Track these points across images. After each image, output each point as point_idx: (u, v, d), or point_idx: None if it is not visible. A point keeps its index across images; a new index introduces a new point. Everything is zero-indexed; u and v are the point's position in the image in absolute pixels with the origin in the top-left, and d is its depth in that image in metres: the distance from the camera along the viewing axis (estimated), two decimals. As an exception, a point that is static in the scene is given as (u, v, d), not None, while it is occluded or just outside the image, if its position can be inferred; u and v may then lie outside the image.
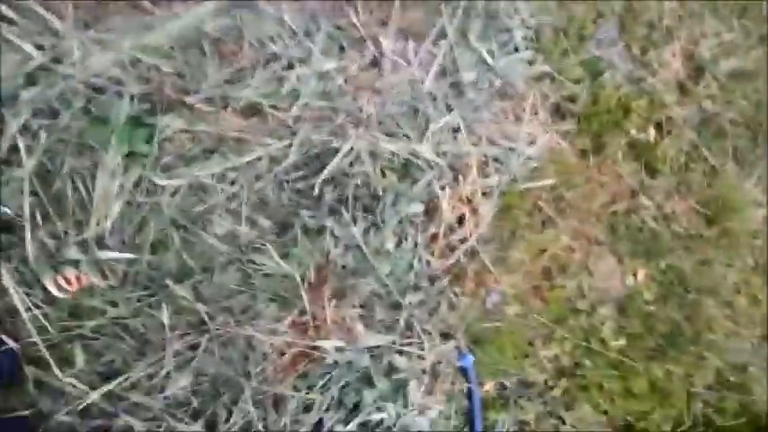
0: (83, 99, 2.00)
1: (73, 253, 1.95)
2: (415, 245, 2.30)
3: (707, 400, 2.69)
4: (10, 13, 2.00)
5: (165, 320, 2.00)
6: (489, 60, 2.46)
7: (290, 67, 2.23)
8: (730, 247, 2.83)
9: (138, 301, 2.02)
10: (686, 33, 2.86)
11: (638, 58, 2.78)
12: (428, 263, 2.33)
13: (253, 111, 2.18)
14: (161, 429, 2.00)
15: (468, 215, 2.37)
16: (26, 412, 1.93)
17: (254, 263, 2.12)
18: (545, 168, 2.53)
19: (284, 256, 2.14)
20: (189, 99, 2.09)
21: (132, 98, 2.04)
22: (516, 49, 2.54)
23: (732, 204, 2.82)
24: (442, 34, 2.43)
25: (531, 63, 2.57)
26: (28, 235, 1.93)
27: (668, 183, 2.77)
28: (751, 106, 2.93)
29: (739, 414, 2.71)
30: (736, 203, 2.83)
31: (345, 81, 2.30)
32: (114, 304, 2.00)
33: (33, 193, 1.96)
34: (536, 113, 2.57)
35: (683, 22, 2.87)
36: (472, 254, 2.40)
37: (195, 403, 2.03)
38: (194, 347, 2.04)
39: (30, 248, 1.93)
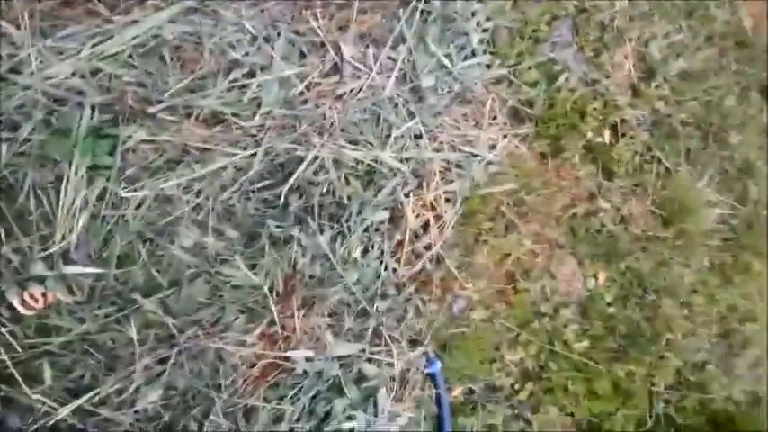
0: (43, 110, 2.05)
1: (38, 269, 1.99)
2: (382, 252, 2.42)
3: (668, 399, 2.89)
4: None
5: (134, 335, 2.05)
6: (448, 64, 2.60)
7: (252, 74, 2.32)
8: (686, 248, 3.03)
9: (106, 316, 2.07)
10: (637, 34, 3.06)
11: (592, 60, 2.96)
12: (394, 270, 2.45)
13: (216, 120, 2.27)
14: (132, 444, 2.08)
15: (432, 221, 2.51)
16: (-5, 430, 1.98)
17: (221, 274, 2.19)
18: (505, 173, 2.67)
19: (252, 267, 2.22)
20: (151, 109, 2.16)
21: (93, 109, 2.10)
22: (473, 53, 2.69)
23: (686, 205, 3.02)
24: (401, 39, 2.56)
25: (488, 66, 2.72)
26: (-8, 251, 1.98)
27: (624, 185, 2.96)
28: (701, 107, 3.15)
29: (699, 412, 2.92)
30: (690, 204, 3.03)
31: (307, 88, 2.41)
32: (82, 320, 2.04)
33: (-4, 208, 2.01)
34: (495, 118, 2.73)
35: (634, 23, 3.06)
36: (437, 260, 2.53)
37: (166, 417, 2.09)
38: (164, 361, 2.10)
39: (-6, 265, 1.98)
